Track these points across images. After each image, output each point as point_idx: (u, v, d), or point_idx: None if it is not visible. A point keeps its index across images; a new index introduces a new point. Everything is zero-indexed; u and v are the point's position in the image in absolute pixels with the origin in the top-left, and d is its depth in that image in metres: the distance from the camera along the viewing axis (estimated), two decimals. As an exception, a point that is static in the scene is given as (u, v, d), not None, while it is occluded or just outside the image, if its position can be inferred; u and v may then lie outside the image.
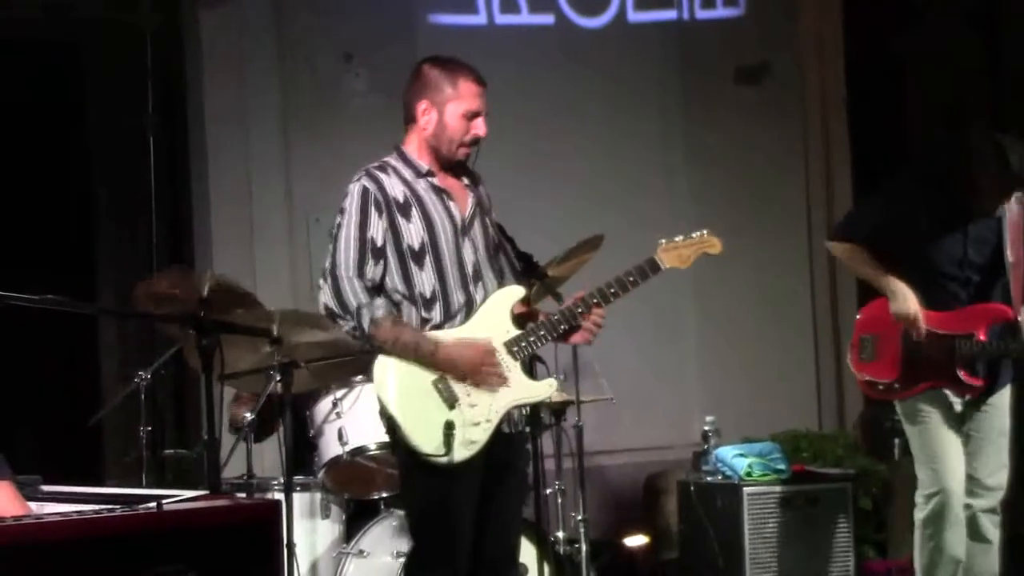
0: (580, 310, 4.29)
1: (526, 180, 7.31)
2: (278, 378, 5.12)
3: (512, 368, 4.28)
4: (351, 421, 5.36)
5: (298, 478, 5.38)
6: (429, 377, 4.23)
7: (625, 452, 7.53)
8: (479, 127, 4.33)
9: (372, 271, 4.23)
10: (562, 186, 7.56)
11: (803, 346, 7.99)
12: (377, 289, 4.25)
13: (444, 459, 4.14)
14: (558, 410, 6.04)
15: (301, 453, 5.43)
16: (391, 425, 4.27)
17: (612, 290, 4.30)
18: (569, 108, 7.67)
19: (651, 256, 4.37)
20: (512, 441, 4.35)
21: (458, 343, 4.20)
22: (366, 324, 4.18)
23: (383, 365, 4.24)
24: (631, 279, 4.33)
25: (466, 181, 4.42)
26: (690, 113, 7.91)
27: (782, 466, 6.41)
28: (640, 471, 7.46)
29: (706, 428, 6.56)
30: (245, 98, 7.17)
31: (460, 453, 4.17)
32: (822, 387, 7.97)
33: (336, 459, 5.39)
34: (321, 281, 4.27)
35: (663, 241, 4.39)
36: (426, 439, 4.18)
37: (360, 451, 5.41)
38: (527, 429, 4.38)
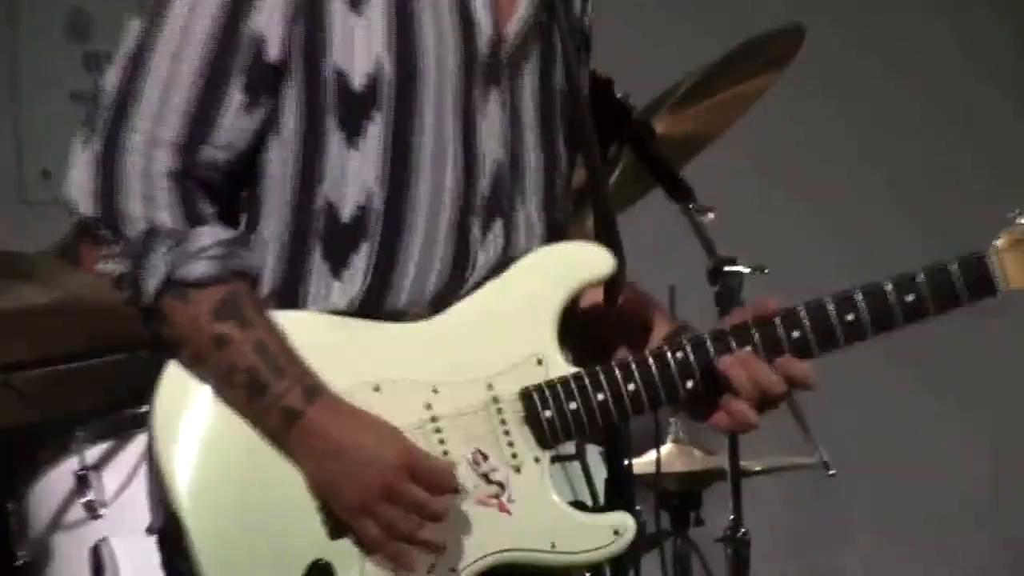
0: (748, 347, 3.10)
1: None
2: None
3: (531, 465, 3.08)
4: (124, 520, 4.26)
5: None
6: None
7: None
8: None
9: (228, 131, 3.05)
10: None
11: None
12: (226, 188, 3.07)
13: None
14: (684, 494, 4.78)
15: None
16: (177, 535, 3.12)
17: (852, 327, 3.10)
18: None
19: (977, 254, 3.24)
20: None
21: (356, 416, 3.00)
22: (153, 282, 3.03)
23: (177, 386, 3.17)
24: (916, 304, 3.18)
25: None
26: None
27: None
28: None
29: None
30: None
31: None
32: None
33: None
34: (78, 147, 3.08)
35: (1000, 239, 3.30)
36: None
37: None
38: None
